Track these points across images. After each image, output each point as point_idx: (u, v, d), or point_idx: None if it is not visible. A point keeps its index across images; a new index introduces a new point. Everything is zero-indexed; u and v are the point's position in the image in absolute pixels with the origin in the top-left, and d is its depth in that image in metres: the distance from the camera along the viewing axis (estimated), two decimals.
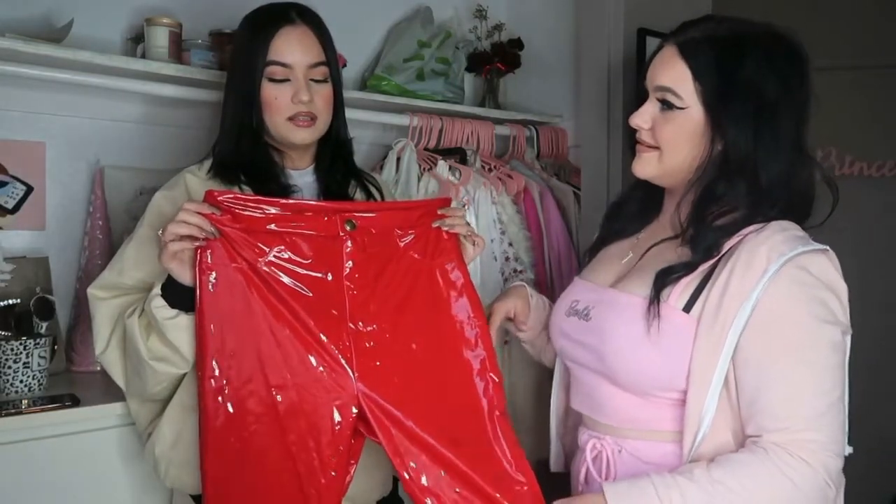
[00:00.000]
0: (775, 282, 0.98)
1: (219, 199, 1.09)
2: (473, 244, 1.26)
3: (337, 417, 1.10)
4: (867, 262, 1.75)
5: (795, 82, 1.06)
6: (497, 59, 2.21)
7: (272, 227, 1.11)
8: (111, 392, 1.54)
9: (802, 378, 0.97)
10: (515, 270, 1.90)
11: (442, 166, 1.92)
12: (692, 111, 1.06)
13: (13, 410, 1.35)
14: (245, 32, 1.30)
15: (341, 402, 1.11)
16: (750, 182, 1.05)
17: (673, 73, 1.07)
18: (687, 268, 1.04)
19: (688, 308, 1.03)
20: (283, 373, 1.10)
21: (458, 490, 1.09)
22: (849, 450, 1.01)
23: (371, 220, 1.17)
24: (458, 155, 2.00)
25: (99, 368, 1.68)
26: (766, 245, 1.00)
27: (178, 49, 1.70)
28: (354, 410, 1.10)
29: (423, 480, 1.09)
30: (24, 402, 1.39)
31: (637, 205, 1.24)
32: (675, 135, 1.08)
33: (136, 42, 1.74)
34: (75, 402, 1.40)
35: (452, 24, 2.25)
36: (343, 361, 1.11)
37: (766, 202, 1.05)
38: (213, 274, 1.09)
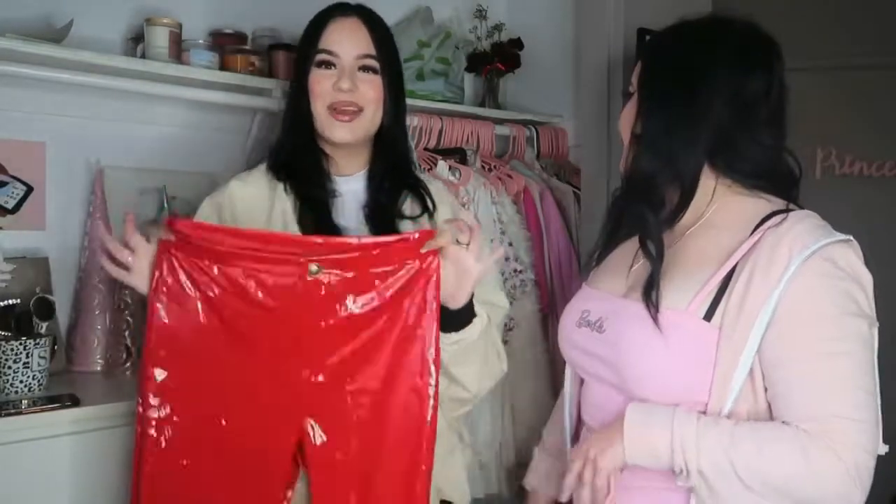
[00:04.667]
0: (800, 275, 0.94)
1: (177, 227, 1.07)
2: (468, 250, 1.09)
3: (281, 454, 1.10)
4: (867, 261, 1.74)
5: (724, 58, 1.05)
6: (497, 59, 2.21)
7: (231, 261, 1.08)
8: (111, 392, 1.54)
9: (832, 373, 0.93)
10: (515, 270, 1.90)
11: (442, 166, 1.92)
12: (635, 94, 1.11)
13: (13, 410, 1.35)
14: (306, 28, 1.30)
15: (287, 441, 1.10)
16: (666, 157, 1.04)
17: (638, 65, 1.14)
18: (655, 278, 1.03)
19: (709, 316, 1.00)
20: (231, 407, 1.10)
21: None
22: (884, 448, 0.95)
23: (340, 261, 1.08)
24: (458, 155, 2.00)
25: (99, 368, 1.69)
26: (787, 238, 0.97)
27: (178, 49, 1.70)
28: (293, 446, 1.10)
29: None
30: (24, 402, 1.39)
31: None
32: (622, 120, 1.13)
33: (136, 42, 1.74)
34: (75, 402, 1.40)
35: (452, 24, 2.25)
36: (293, 403, 1.10)
37: (690, 179, 1.04)
38: (166, 301, 1.09)
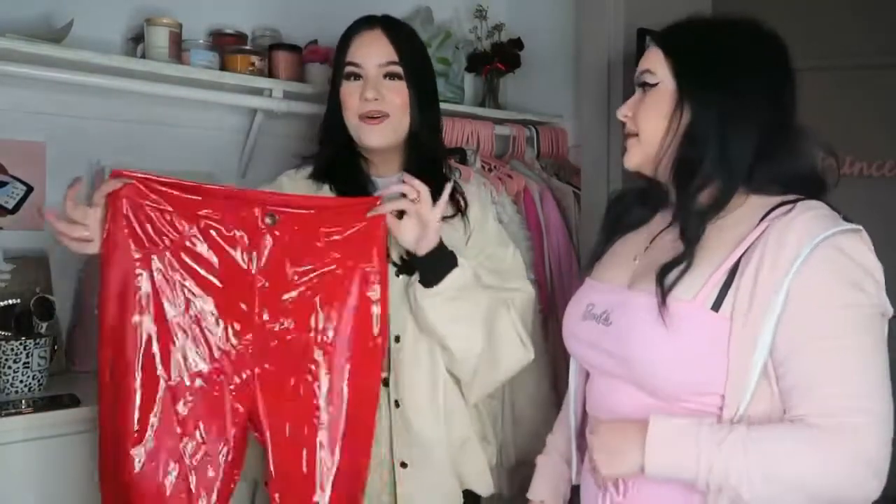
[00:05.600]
0: (809, 265, 0.93)
1: (125, 175, 1.13)
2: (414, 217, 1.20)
3: (230, 408, 1.14)
4: None
5: (766, 55, 1.06)
6: (497, 59, 2.21)
7: (189, 213, 1.14)
8: None
9: (844, 365, 0.92)
10: None
11: None
12: (663, 85, 1.08)
13: (13, 410, 1.35)
14: (337, 44, 1.37)
15: (235, 395, 1.15)
16: (722, 149, 1.03)
17: (650, 57, 1.10)
18: (684, 258, 1.01)
19: (717, 306, 0.98)
20: (183, 363, 1.13)
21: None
22: None
23: (294, 215, 1.17)
24: (458, 155, 2.00)
25: None
26: (794, 227, 0.96)
27: (178, 49, 1.70)
28: (240, 407, 1.15)
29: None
30: (24, 402, 1.39)
31: (639, 197, 1.22)
32: (649, 111, 1.09)
33: (136, 42, 1.74)
34: (75, 402, 1.41)
35: (452, 24, 2.25)
36: (241, 355, 1.15)
37: (744, 172, 1.03)
38: (117, 255, 1.12)
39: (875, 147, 2.23)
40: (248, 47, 1.85)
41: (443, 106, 2.04)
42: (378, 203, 1.21)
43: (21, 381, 1.46)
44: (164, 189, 1.14)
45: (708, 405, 0.99)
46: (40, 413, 1.36)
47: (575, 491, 1.28)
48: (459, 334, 1.24)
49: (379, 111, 1.29)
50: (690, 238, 1.03)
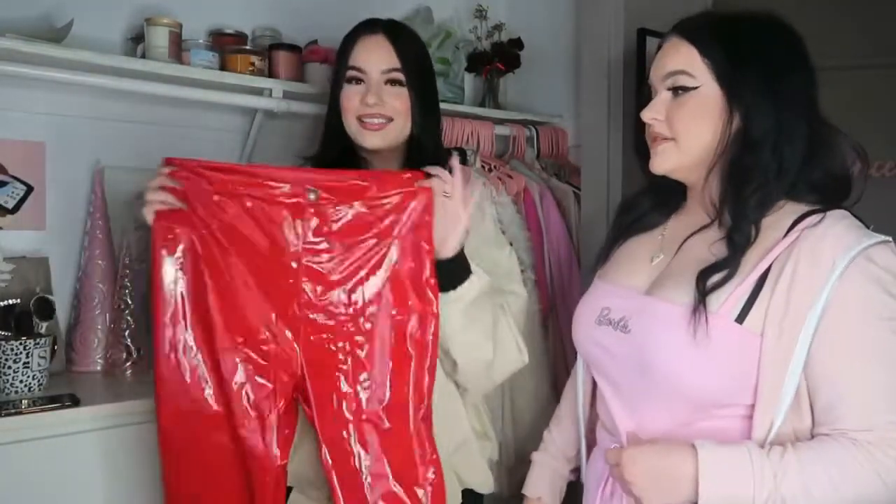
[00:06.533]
0: (847, 279, 0.92)
1: (178, 162, 1.16)
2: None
3: (277, 385, 1.15)
4: None
5: (798, 52, 1.05)
6: (497, 59, 2.21)
7: (233, 192, 1.15)
8: (111, 392, 1.54)
9: (885, 379, 0.91)
10: None
11: None
12: (705, 89, 1.03)
13: (13, 410, 1.35)
14: (339, 47, 1.38)
15: (284, 371, 1.15)
16: (775, 152, 1.01)
17: (680, 57, 1.05)
18: (729, 262, 0.98)
19: (741, 318, 0.96)
20: (231, 339, 1.15)
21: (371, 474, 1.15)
22: None
23: (335, 188, 1.16)
24: (457, 155, 2.00)
25: (99, 368, 1.69)
26: (828, 239, 0.94)
27: (178, 49, 1.70)
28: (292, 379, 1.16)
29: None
30: (24, 402, 1.39)
31: (653, 199, 1.19)
32: (691, 117, 1.04)
33: (136, 42, 1.74)
34: (75, 402, 1.41)
35: (452, 24, 2.25)
36: (288, 333, 1.15)
37: (794, 174, 1.01)
38: (173, 242, 1.14)
39: (875, 147, 2.23)
40: (248, 47, 1.85)
41: (443, 106, 2.03)
42: (423, 177, 1.18)
43: (21, 381, 1.46)
44: (207, 172, 1.16)
45: (728, 417, 0.98)
46: (40, 413, 1.36)
47: (570, 487, 1.29)
48: (470, 346, 1.22)
49: (380, 116, 1.30)
50: (740, 243, 1.00)
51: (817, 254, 0.94)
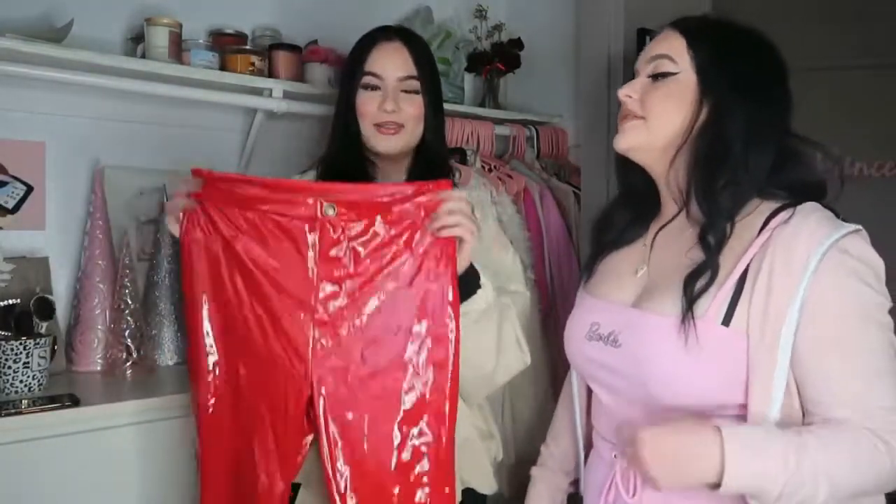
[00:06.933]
0: (822, 273, 0.93)
1: (203, 174, 1.16)
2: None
3: (291, 400, 1.15)
4: None
5: (781, 75, 1.07)
6: (497, 59, 2.21)
7: (253, 205, 1.15)
8: (111, 392, 1.54)
9: (868, 366, 0.93)
10: None
11: None
12: (683, 76, 1.06)
13: (13, 410, 1.35)
14: (352, 49, 1.40)
15: (296, 388, 1.15)
16: (745, 151, 1.02)
17: (668, 44, 1.08)
18: (709, 263, 0.99)
19: (727, 320, 0.97)
20: (246, 351, 1.16)
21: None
22: None
23: (353, 204, 1.14)
24: (458, 155, 2.00)
25: (99, 368, 1.69)
26: (800, 234, 0.95)
27: (178, 49, 1.70)
28: (306, 395, 1.15)
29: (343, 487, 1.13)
30: (24, 402, 1.39)
31: (631, 212, 1.19)
32: (665, 97, 1.07)
33: (136, 42, 1.74)
34: (75, 402, 1.40)
35: (452, 24, 2.25)
36: (302, 349, 1.15)
37: (763, 178, 1.02)
38: (196, 248, 1.16)
39: (875, 147, 2.23)
40: (248, 47, 1.85)
41: (443, 106, 2.05)
42: (449, 187, 1.16)
43: (21, 381, 1.46)
44: (225, 185, 1.17)
45: (724, 417, 0.97)
46: (40, 413, 1.36)
47: (570, 500, 1.29)
48: (475, 359, 1.22)
49: (396, 122, 1.33)
50: (717, 240, 1.01)
51: (791, 250, 0.95)
